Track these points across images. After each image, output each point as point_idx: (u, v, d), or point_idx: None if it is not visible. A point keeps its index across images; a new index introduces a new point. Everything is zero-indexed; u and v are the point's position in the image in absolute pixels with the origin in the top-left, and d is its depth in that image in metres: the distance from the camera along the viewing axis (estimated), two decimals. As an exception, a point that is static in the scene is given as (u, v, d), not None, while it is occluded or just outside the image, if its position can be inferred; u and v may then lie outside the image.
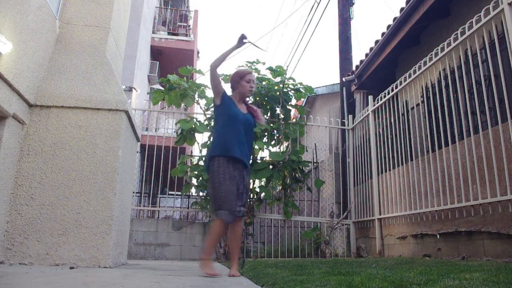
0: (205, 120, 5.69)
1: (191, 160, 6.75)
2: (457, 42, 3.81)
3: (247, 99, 3.10)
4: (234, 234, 2.87)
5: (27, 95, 3.15)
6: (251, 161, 5.62)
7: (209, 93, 5.67)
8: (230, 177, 2.73)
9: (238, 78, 2.99)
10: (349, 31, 7.18)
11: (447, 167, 3.93)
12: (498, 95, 3.32)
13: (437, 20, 5.15)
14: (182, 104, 5.68)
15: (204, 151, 5.62)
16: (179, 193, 9.41)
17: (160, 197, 8.40)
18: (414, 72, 4.59)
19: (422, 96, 4.73)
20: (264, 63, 5.81)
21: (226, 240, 5.39)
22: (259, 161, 5.64)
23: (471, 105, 3.75)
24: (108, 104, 3.43)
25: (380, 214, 5.22)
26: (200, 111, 5.88)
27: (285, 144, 6.21)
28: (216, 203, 2.75)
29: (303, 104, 9.84)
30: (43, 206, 3.11)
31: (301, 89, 5.79)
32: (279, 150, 5.81)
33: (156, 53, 12.21)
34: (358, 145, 6.08)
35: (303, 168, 5.84)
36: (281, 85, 5.55)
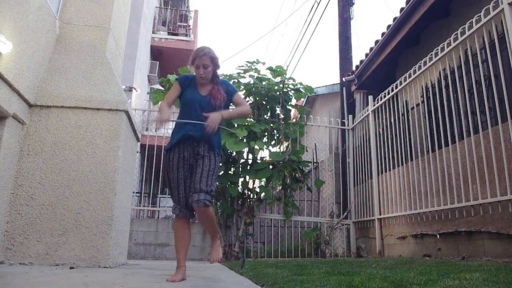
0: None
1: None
2: (457, 42, 3.81)
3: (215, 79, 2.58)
4: (201, 221, 2.62)
5: (27, 95, 3.15)
6: (250, 160, 5.66)
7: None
8: (171, 168, 2.53)
9: (191, 61, 2.52)
10: (349, 31, 7.18)
11: (447, 167, 3.93)
12: (498, 95, 3.31)
13: (437, 20, 5.15)
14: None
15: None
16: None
17: (160, 197, 8.41)
18: (414, 72, 4.59)
19: (422, 96, 4.73)
20: (264, 63, 5.81)
21: (225, 240, 5.40)
22: (259, 161, 5.64)
23: (471, 105, 3.74)
24: (108, 104, 3.43)
25: (380, 214, 5.22)
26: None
27: (285, 144, 6.21)
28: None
29: (303, 104, 9.83)
30: (43, 206, 3.11)
31: (301, 89, 5.79)
32: (279, 150, 5.81)
33: (156, 53, 12.20)
34: (358, 145, 6.08)
35: (303, 168, 5.84)
36: (281, 85, 5.55)
